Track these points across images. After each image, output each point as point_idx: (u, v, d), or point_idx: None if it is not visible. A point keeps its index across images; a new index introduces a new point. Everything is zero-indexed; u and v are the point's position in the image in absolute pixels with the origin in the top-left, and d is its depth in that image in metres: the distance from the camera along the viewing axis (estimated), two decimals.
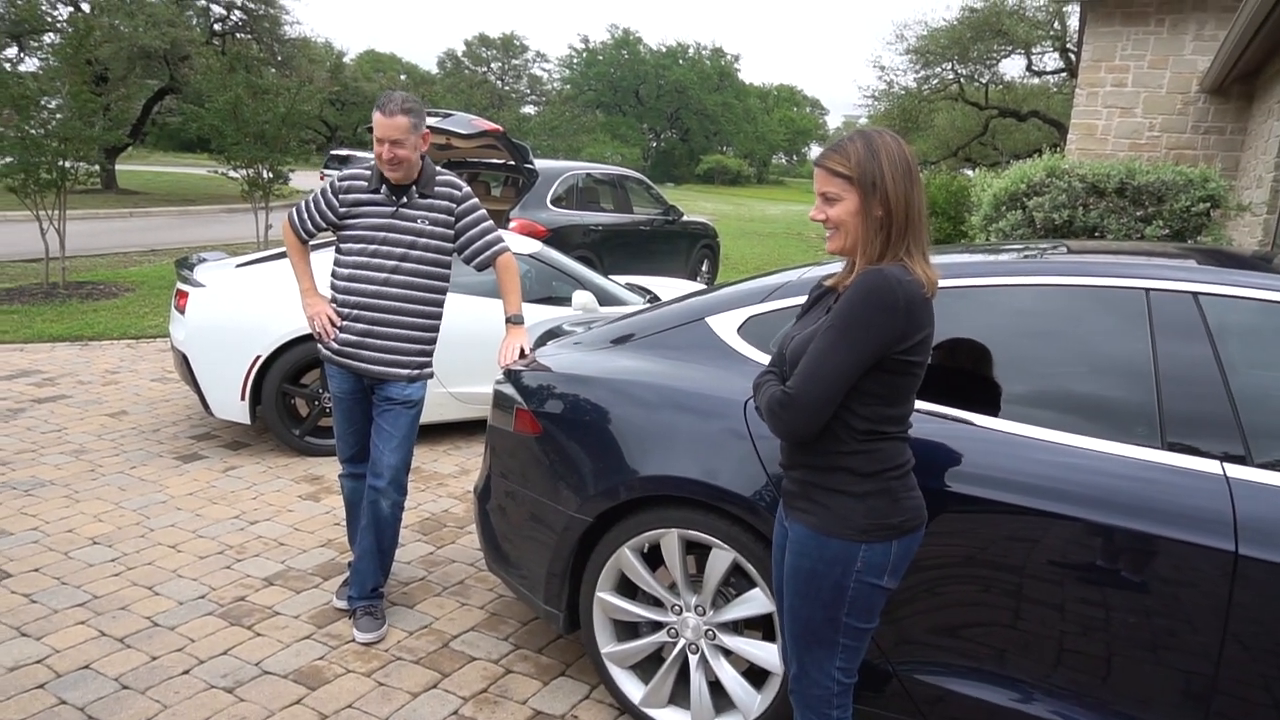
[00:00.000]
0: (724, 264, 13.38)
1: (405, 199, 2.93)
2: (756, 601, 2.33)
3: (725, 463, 2.30)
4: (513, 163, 8.23)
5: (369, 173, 2.97)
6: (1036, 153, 8.50)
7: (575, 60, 64.71)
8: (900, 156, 1.66)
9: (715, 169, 58.06)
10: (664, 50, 64.15)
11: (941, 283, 2.17)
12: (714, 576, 2.39)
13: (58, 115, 8.84)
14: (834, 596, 1.73)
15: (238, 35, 24.23)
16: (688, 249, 10.66)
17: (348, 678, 2.78)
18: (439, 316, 3.06)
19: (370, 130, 6.71)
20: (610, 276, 6.38)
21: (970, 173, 23.29)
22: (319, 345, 3.06)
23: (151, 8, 21.08)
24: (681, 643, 2.48)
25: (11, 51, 20.09)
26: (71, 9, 21.34)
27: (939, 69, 22.81)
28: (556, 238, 8.01)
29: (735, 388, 2.37)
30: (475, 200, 3.03)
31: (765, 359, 2.44)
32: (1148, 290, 2.11)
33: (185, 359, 4.70)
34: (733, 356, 2.48)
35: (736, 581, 2.43)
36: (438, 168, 3.02)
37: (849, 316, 1.60)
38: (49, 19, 20.27)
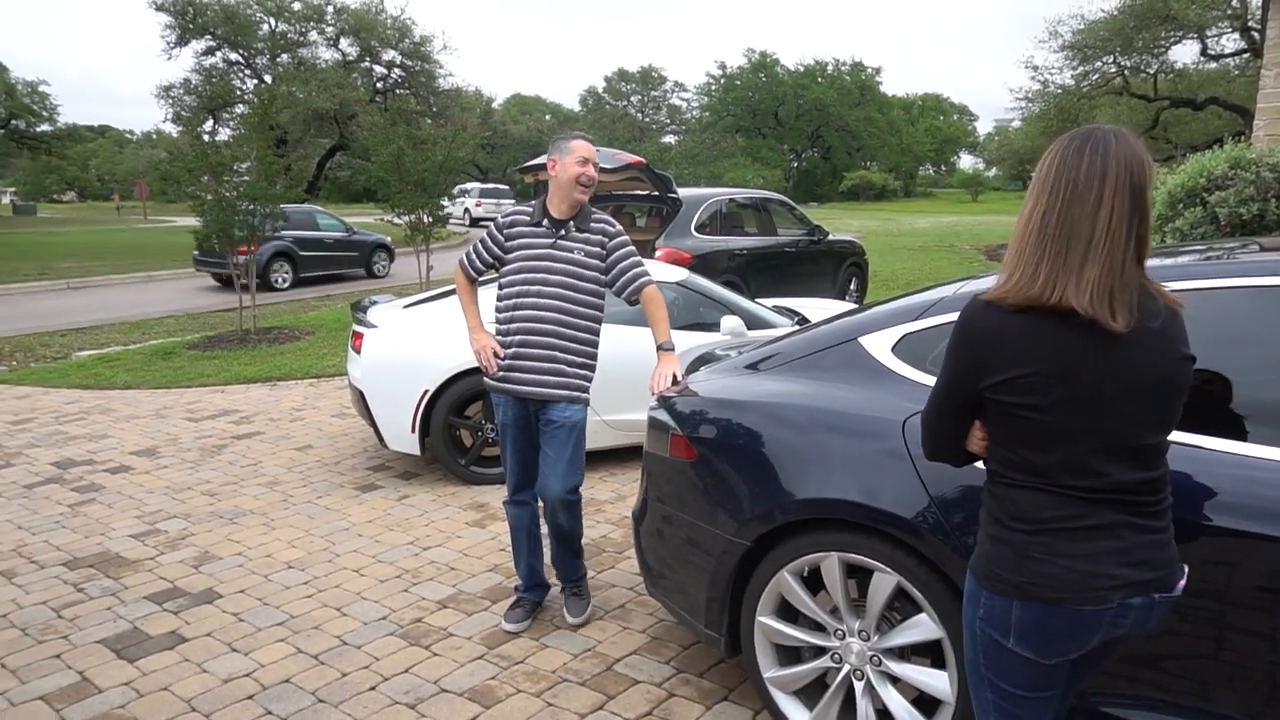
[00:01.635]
0: (873, 281, 13.06)
1: (564, 231, 3.15)
2: (923, 627, 2.26)
3: (884, 484, 2.26)
4: (657, 193, 8.39)
5: (531, 209, 3.24)
6: (1217, 143, 7.82)
7: (713, 87, 65.34)
8: (1051, 161, 1.47)
9: (860, 185, 56.89)
10: (802, 70, 63.77)
11: None
12: (877, 601, 2.34)
13: (246, 178, 9.78)
14: (970, 636, 1.64)
15: (398, 91, 26.00)
16: (835, 268, 10.49)
17: (518, 697, 2.89)
18: (595, 344, 3.23)
19: (522, 171, 6.98)
20: (757, 300, 6.37)
21: None
22: (485, 376, 3.26)
23: (322, 73, 23.03)
24: (846, 668, 2.44)
25: (208, 125, 22.41)
26: (256, 81, 23.59)
27: (1099, 63, 21.44)
28: (702, 264, 8.07)
29: (893, 407, 2.33)
30: (626, 238, 3.22)
31: (922, 377, 2.38)
32: None
33: (362, 395, 5.06)
34: (888, 376, 2.43)
35: (901, 606, 2.36)
36: (594, 209, 3.23)
37: (947, 348, 1.57)
38: (238, 92, 22.51)
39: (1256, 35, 19.64)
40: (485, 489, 4.99)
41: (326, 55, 25.35)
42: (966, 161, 76.66)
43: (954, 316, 2.39)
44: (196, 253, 14.76)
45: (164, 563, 4.03)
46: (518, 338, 3.14)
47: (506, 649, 3.21)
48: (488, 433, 5.08)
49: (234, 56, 24.32)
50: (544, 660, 3.13)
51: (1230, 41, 20.46)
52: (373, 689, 2.96)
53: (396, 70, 26.17)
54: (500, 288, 3.22)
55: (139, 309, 12.97)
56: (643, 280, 3.17)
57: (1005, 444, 1.54)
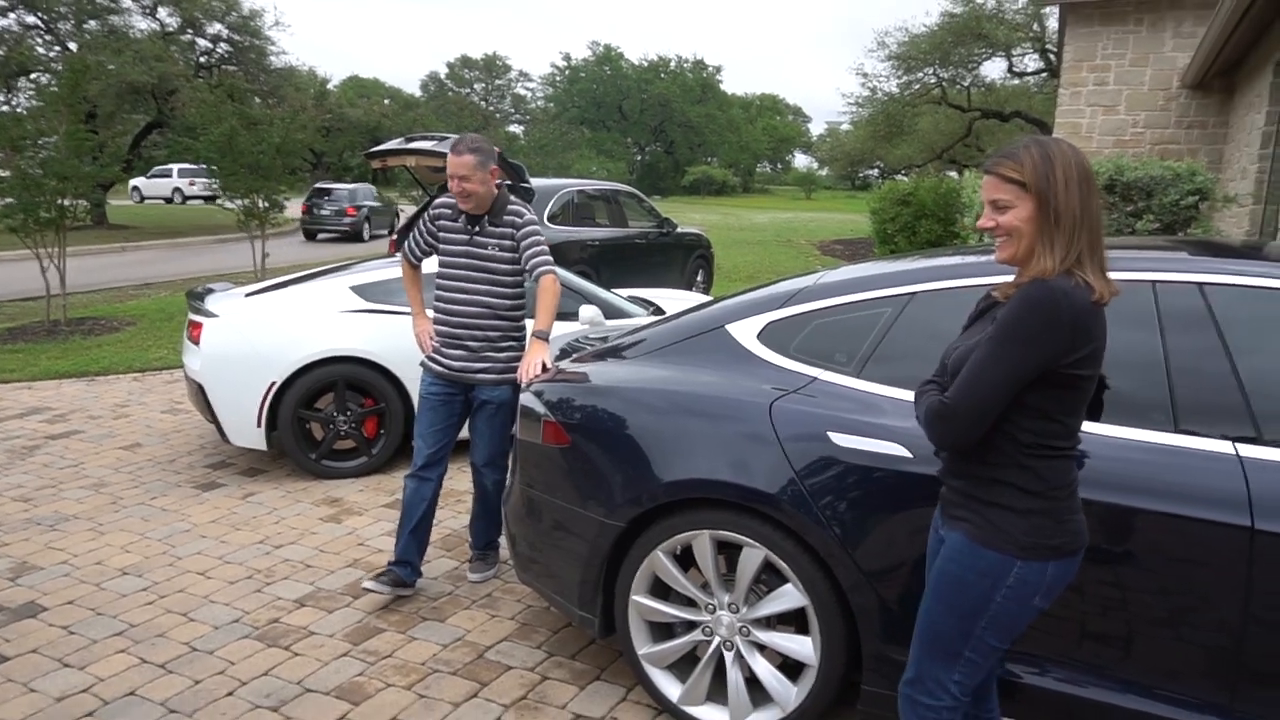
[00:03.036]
0: (717, 273, 13.49)
1: (478, 227, 3.35)
2: (789, 596, 2.41)
3: (753, 464, 2.38)
4: (509, 182, 8.31)
5: (454, 201, 3.38)
6: None
7: (558, 78, 65.18)
8: (1076, 163, 1.63)
9: (701, 180, 58.39)
10: (646, 65, 64.66)
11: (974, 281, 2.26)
12: (746, 574, 2.46)
13: (53, 154, 8.90)
14: (975, 608, 1.72)
15: (224, 68, 24.33)
16: (683, 260, 10.77)
17: (389, 691, 2.84)
18: (520, 329, 3.48)
19: (368, 157, 6.82)
20: (612, 290, 6.47)
21: (955, 175, 23.54)
22: (423, 355, 3.56)
23: (138, 44, 21.18)
24: (717, 640, 2.56)
25: (0, 95, 20.18)
26: (60, 49, 21.43)
27: (921, 74, 23.07)
28: (555, 254, 8.04)
29: (760, 391, 2.45)
30: (533, 225, 3.40)
31: (786, 363, 2.52)
32: (1154, 283, 2.20)
33: (201, 389, 4.76)
34: (755, 362, 2.56)
35: (768, 578, 2.50)
36: (511, 198, 3.39)
37: (1011, 329, 1.59)
38: (38, 57, 20.36)
39: (1053, 57, 21.70)
40: (340, 483, 4.82)
41: (142, 25, 23.35)
42: (801, 160, 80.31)
43: (817, 305, 2.56)
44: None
45: None
46: (445, 329, 3.43)
47: (373, 644, 3.14)
48: (340, 425, 4.91)
49: (31, 19, 21.96)
50: (413, 653, 3.08)
51: (1032, 61, 22.57)
52: (230, 694, 2.82)
53: (223, 45, 24.41)
54: (437, 276, 3.45)
55: None
56: (541, 270, 3.34)
57: (1056, 416, 1.65)
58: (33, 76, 20.64)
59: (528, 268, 3.38)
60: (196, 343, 4.81)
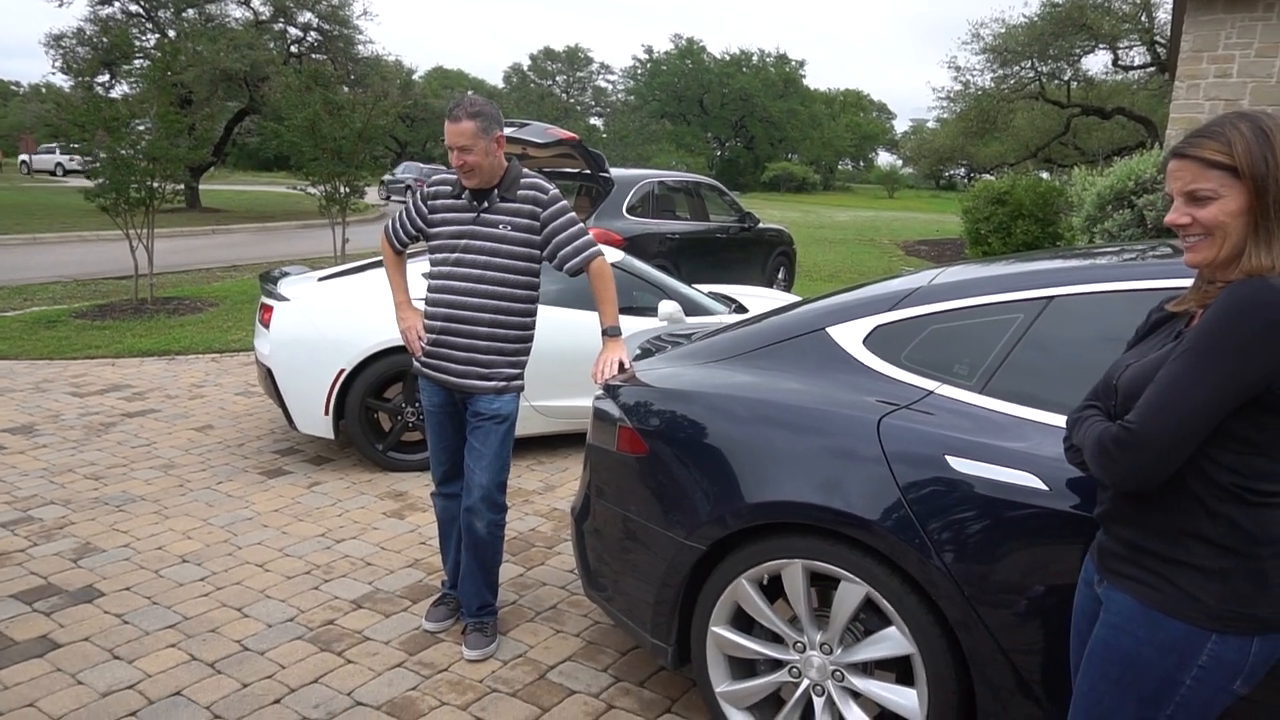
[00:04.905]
0: (797, 272, 13.08)
1: (486, 204, 2.81)
2: (892, 641, 2.10)
3: (856, 487, 2.08)
4: (588, 171, 8.11)
5: (454, 178, 2.87)
6: (1121, 152, 8.03)
7: (639, 71, 65.00)
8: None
9: (781, 176, 57.51)
10: (728, 58, 63.98)
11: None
12: (843, 612, 2.17)
13: (146, 136, 9.06)
14: (1158, 691, 1.39)
15: (313, 56, 24.85)
16: (764, 256, 10.41)
17: (442, 711, 2.63)
18: (529, 327, 2.92)
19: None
20: (693, 285, 6.19)
21: (1045, 175, 22.47)
22: (413, 359, 2.97)
23: (232, 32, 21.76)
24: (805, 683, 2.27)
25: (103, 78, 20.95)
26: (158, 36, 22.17)
27: (1017, 67, 22.05)
28: (632, 246, 7.85)
29: (866, 404, 2.15)
30: (563, 203, 2.86)
31: (896, 373, 2.22)
32: None
33: (270, 373, 4.66)
34: (860, 370, 2.26)
35: (867, 618, 2.20)
36: (525, 170, 2.88)
37: (1218, 338, 1.28)
38: (137, 46, 21.08)
39: (1161, 51, 20.50)
40: (404, 476, 4.67)
41: (237, 14, 24.00)
42: (884, 158, 78.47)
43: (930, 309, 2.24)
44: None
45: (37, 556, 3.59)
46: (440, 324, 2.86)
47: (429, 655, 2.94)
48: (408, 416, 4.76)
49: (134, 8, 22.75)
50: (471, 668, 2.87)
51: (1138, 54, 21.34)
52: (277, 702, 2.65)
53: (313, 34, 24.90)
54: (429, 264, 2.92)
55: (21, 273, 11.97)
56: (589, 252, 2.83)
57: (1266, 450, 1.32)
58: (134, 64, 21.39)
59: (568, 250, 2.80)
60: (267, 326, 4.72)
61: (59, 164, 38.40)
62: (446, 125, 2.72)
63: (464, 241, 2.81)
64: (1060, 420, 1.96)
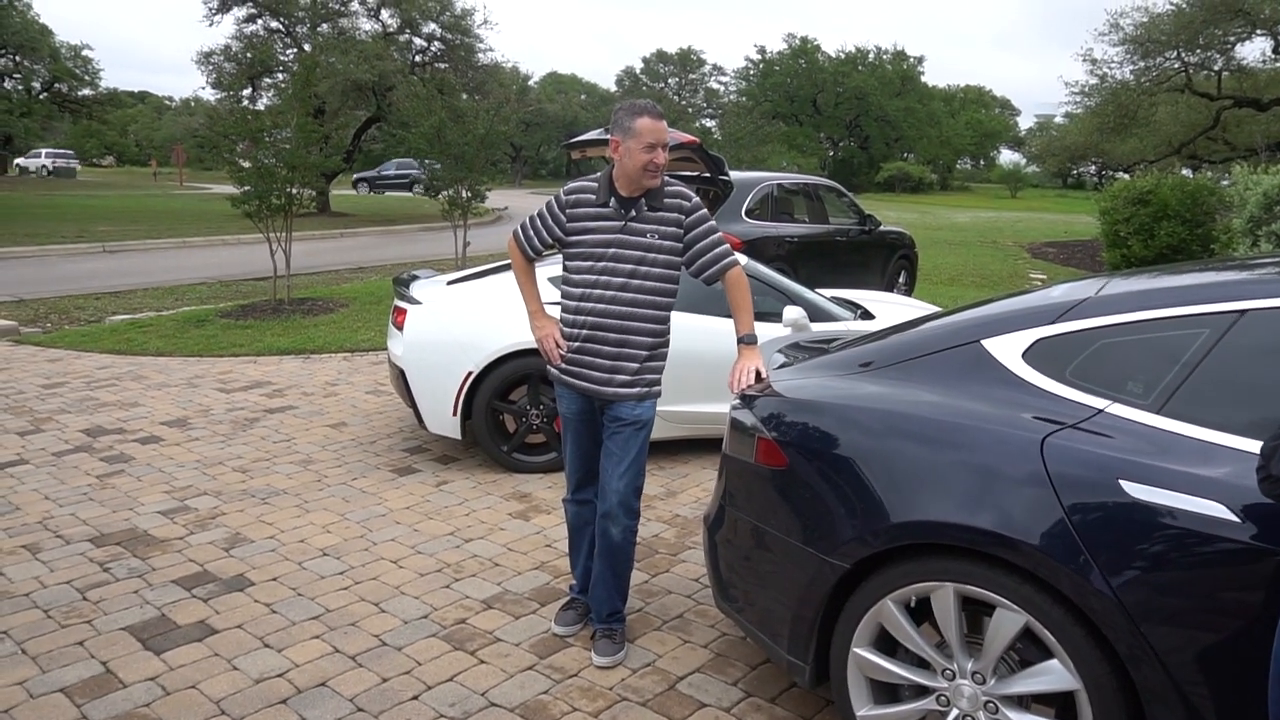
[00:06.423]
0: (918, 275, 12.67)
1: (634, 212, 2.80)
2: (1055, 676, 1.97)
3: (1017, 510, 1.97)
4: (708, 174, 8.06)
5: (596, 184, 2.86)
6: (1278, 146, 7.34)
7: (752, 72, 64.47)
8: None
9: (896, 176, 55.90)
10: (843, 57, 62.65)
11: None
12: (998, 641, 2.05)
13: (286, 146, 9.56)
14: None
15: (436, 65, 25.73)
16: (885, 260, 10.13)
17: (574, 716, 2.64)
18: (667, 332, 2.91)
19: (568, 147, 6.57)
20: (816, 290, 6.06)
21: (1189, 173, 20.96)
22: (549, 366, 2.99)
23: (362, 44, 22.77)
24: (955, 713, 2.16)
25: (246, 91, 22.28)
26: (296, 50, 23.41)
27: (1161, 58, 20.65)
28: (751, 250, 7.76)
29: (1027, 422, 2.03)
30: (704, 211, 2.86)
31: (1063, 391, 2.08)
32: None
33: (402, 374, 4.82)
34: (1020, 386, 2.14)
35: (1024, 647, 2.08)
36: (667, 178, 2.86)
37: None
38: (278, 60, 22.34)
39: None
40: (528, 478, 4.74)
41: (367, 26, 25.12)
42: (1006, 156, 75.21)
43: (1101, 321, 2.10)
44: None
45: (194, 544, 3.82)
46: (585, 332, 2.85)
47: (559, 659, 2.96)
48: (532, 419, 4.83)
49: (274, 24, 24.12)
50: (600, 674, 2.87)
51: None
52: (415, 698, 2.72)
53: (436, 43, 25.84)
54: (566, 271, 2.93)
55: (172, 275, 12.85)
56: (726, 261, 2.83)
57: None
58: (275, 77, 22.67)
59: (706, 259, 2.81)
60: (400, 328, 4.88)
61: (43, 166, 43.35)
62: (649, 123, 2.70)
63: (612, 250, 2.80)
64: (1250, 445, 1.80)
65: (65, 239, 16.47)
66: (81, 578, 3.47)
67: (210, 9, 23.08)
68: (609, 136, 2.78)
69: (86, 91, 40.76)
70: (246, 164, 9.25)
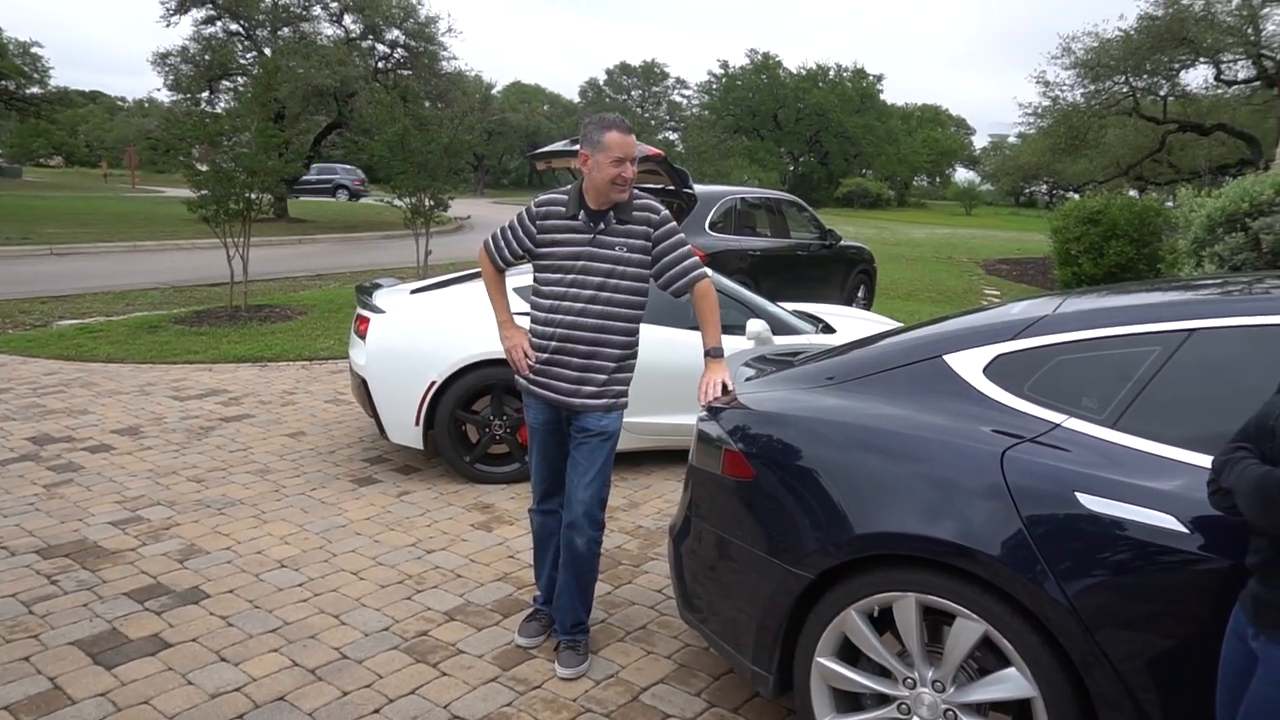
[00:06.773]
0: (877, 289, 12.86)
1: (603, 225, 2.82)
2: (1012, 683, 2.02)
3: (977, 522, 2.01)
4: (673, 187, 8.12)
5: (566, 197, 2.88)
6: (1221, 170, 7.63)
7: (714, 85, 65.07)
8: None
9: (855, 192, 56.80)
10: (804, 73, 63.57)
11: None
12: (958, 650, 2.09)
13: (244, 150, 9.42)
14: None
15: (399, 72, 25.55)
16: (844, 274, 10.28)
17: None
18: (636, 345, 2.94)
19: (534, 158, 6.56)
20: (778, 303, 6.13)
21: (1136, 193, 21.59)
22: (516, 376, 2.99)
23: (324, 50, 22.52)
24: None
25: (204, 94, 21.89)
26: (256, 54, 23.09)
27: (1110, 82, 21.30)
28: (714, 263, 7.80)
29: (988, 436, 2.08)
30: (673, 224, 2.88)
31: (1022, 405, 2.13)
32: None
33: (364, 383, 4.77)
34: (980, 400, 2.19)
35: (983, 656, 2.12)
36: (635, 190, 2.88)
37: None
38: (238, 64, 22.01)
39: (1268, 64, 19.59)
40: (490, 489, 4.72)
41: (329, 31, 24.85)
42: (961, 175, 76.75)
43: (1059, 338, 2.16)
44: None
45: (146, 555, 3.73)
46: (554, 344, 2.86)
47: (522, 671, 2.94)
48: (495, 429, 4.81)
49: (234, 27, 23.75)
50: (564, 685, 2.87)
51: (1243, 69, 20.40)
52: (376, 712, 2.69)
53: (399, 50, 25.65)
54: (536, 283, 2.94)
55: (124, 279, 12.55)
56: (695, 274, 2.85)
57: None
58: (234, 80, 22.32)
59: (674, 272, 2.83)
60: (363, 337, 4.83)
61: None
62: (617, 137, 2.72)
63: (581, 263, 2.81)
64: (1200, 460, 1.86)
65: (10, 240, 16.01)
66: (28, 591, 3.37)
67: (168, 9, 22.64)
68: (576, 149, 2.80)
69: (35, 89, 39.75)
70: (204, 167, 9.10)
